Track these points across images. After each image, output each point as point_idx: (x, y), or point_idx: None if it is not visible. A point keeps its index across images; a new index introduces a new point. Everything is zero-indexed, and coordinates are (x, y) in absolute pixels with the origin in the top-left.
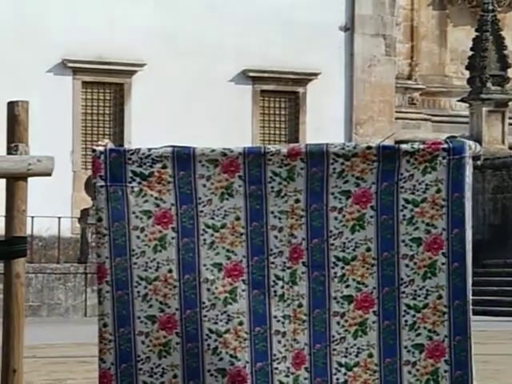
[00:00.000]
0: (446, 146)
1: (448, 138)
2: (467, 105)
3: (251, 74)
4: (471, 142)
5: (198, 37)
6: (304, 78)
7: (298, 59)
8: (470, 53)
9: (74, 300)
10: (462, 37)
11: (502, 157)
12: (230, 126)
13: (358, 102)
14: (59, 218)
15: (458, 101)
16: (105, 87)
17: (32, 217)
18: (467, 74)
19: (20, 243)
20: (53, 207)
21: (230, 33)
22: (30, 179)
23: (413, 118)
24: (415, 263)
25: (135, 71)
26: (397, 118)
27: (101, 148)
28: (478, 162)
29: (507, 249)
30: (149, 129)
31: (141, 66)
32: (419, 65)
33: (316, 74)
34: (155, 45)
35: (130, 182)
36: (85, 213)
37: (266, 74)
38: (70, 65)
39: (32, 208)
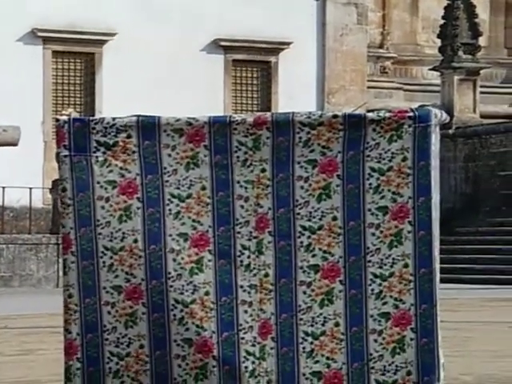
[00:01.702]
0: (411, 114)
1: (419, 106)
2: (439, 73)
3: (223, 44)
4: (437, 110)
5: (170, 6)
6: (276, 48)
7: (270, 28)
8: (442, 21)
9: (45, 271)
10: (434, 5)
11: (473, 125)
12: (201, 95)
13: (330, 72)
14: (30, 188)
15: (430, 69)
16: (75, 57)
17: (3, 187)
18: (439, 42)
19: None
20: (24, 178)
21: (202, 2)
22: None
23: (385, 86)
24: (381, 232)
25: (106, 40)
26: (369, 87)
27: (64, 117)
28: (450, 131)
29: (478, 217)
30: (120, 99)
31: (112, 35)
32: (391, 33)
33: (288, 44)
34: (126, 14)
35: (95, 152)
36: (56, 183)
37: (237, 44)
38: (40, 34)
39: (3, 178)
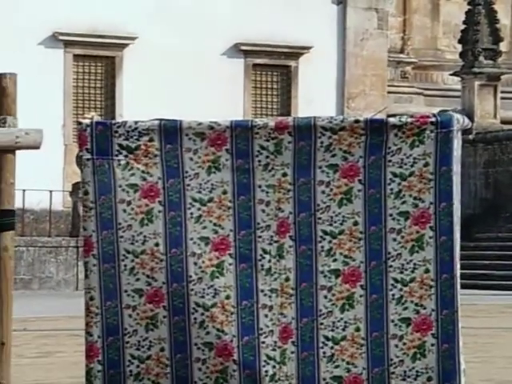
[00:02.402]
0: (433, 119)
1: (440, 111)
2: (459, 79)
3: (243, 48)
4: (459, 116)
5: (191, 10)
6: (296, 52)
7: (290, 33)
8: (463, 26)
9: (65, 273)
10: (455, 10)
11: (493, 131)
12: (222, 99)
13: (350, 76)
14: (51, 191)
15: (451, 75)
16: (96, 60)
17: (23, 190)
18: (459, 47)
19: (8, 216)
20: (44, 181)
21: (222, 6)
22: (20, 152)
23: (405, 91)
24: (402, 237)
25: (127, 44)
26: (389, 92)
27: (87, 121)
28: (470, 136)
29: (499, 223)
30: (140, 102)
31: (132, 39)
32: (411, 38)
33: (308, 48)
34: (147, 18)
35: (117, 155)
36: (76, 186)
37: (258, 48)
38: (62, 38)
39: (23, 181)
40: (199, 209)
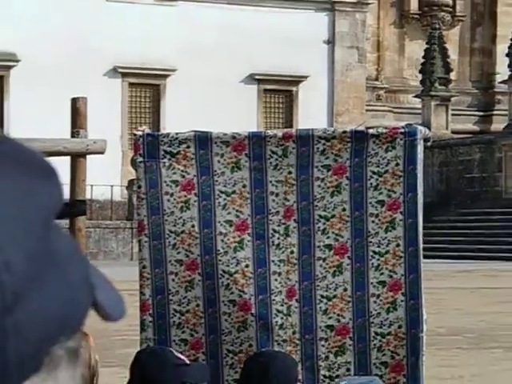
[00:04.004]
0: (402, 130)
1: (406, 125)
2: (420, 100)
3: (257, 77)
4: (422, 128)
5: (215, 48)
6: (297, 80)
7: (292, 65)
8: (422, 60)
9: (123, 248)
10: (416, 48)
11: (446, 139)
12: (240, 116)
13: (338, 98)
14: (112, 186)
15: (414, 97)
16: (146, 87)
17: (91, 185)
18: (420, 76)
19: (81, 205)
20: (107, 178)
21: (240, 44)
22: (90, 157)
23: (379, 110)
24: (379, 220)
25: (169, 75)
26: (367, 110)
27: (140, 133)
28: (428, 143)
29: (450, 209)
30: (179, 118)
31: (173, 70)
32: (383, 69)
33: (306, 77)
34: (183, 54)
35: (162, 159)
36: (131, 182)
37: (267, 77)
38: (120, 70)
39: (91, 178)
40: (225, 199)
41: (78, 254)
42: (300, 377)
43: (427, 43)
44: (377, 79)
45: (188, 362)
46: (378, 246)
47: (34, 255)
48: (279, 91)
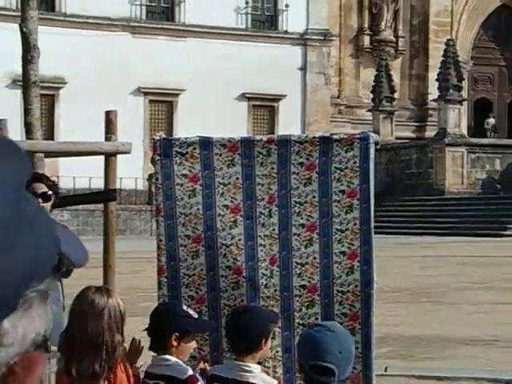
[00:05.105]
0: (359, 136)
1: (361, 132)
2: (371, 113)
3: (247, 95)
4: (373, 134)
5: (216, 73)
6: (277, 98)
7: (274, 87)
8: (373, 83)
9: (144, 226)
10: (369, 74)
11: (390, 143)
12: (234, 126)
13: (309, 112)
14: (136, 178)
15: (366, 111)
16: (162, 103)
17: (120, 178)
18: (371, 95)
19: (112, 193)
20: (133, 172)
21: (235, 70)
22: (119, 156)
23: (340, 121)
24: (341, 204)
25: (180, 94)
26: (331, 121)
27: (157, 137)
28: (377, 147)
29: (394, 196)
30: (187, 127)
31: (183, 90)
32: (344, 90)
33: (284, 96)
34: (192, 78)
35: (174, 157)
36: (151, 175)
37: (256, 96)
38: (142, 90)
39: (120, 172)
40: (222, 188)
41: (44, 217)
42: (280, 324)
43: (377, 70)
44: (338, 97)
45: (196, 316)
46: (340, 225)
47: (6, 218)
48: (264, 106)
